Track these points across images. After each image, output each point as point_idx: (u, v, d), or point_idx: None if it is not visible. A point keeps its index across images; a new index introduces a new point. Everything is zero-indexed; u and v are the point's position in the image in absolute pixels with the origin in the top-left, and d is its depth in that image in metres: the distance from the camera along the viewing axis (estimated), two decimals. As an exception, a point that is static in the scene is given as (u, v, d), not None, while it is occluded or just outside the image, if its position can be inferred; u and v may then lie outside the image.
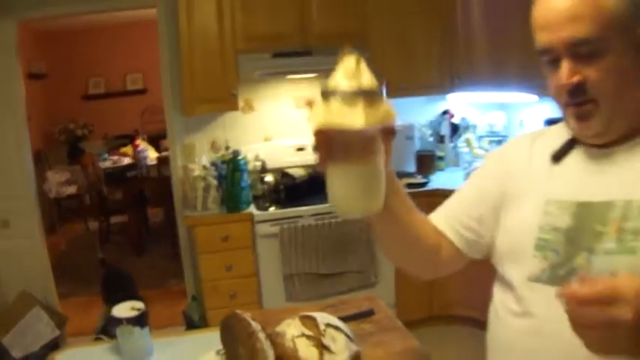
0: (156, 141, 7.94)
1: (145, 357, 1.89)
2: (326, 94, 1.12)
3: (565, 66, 1.22)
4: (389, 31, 4.55)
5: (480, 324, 1.72)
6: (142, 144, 7.50)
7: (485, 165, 1.62)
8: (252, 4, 4.18)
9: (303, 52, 4.32)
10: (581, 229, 1.24)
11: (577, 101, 1.24)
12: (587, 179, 1.31)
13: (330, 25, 4.33)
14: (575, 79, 1.21)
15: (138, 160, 7.25)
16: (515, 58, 3.92)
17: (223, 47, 4.17)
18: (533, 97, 4.12)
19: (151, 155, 7.30)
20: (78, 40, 9.11)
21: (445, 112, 5.16)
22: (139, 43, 8.86)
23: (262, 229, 4.05)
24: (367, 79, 1.11)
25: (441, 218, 1.57)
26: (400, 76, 4.56)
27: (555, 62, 1.25)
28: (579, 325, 1.00)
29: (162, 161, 6.57)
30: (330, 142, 1.16)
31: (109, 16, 7.71)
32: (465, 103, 5.22)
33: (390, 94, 4.61)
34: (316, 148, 1.17)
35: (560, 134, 1.41)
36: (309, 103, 1.14)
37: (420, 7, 4.61)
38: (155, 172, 6.92)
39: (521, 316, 1.34)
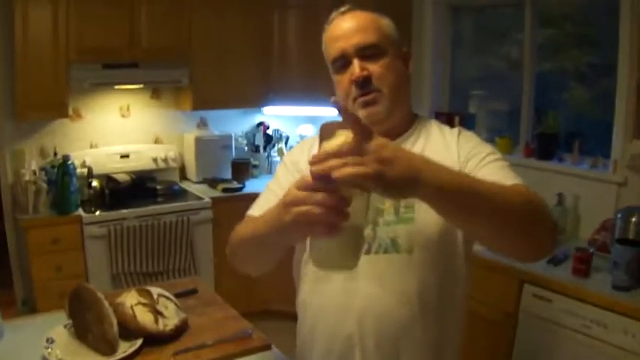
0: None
1: (-3, 338, 1.94)
2: None
3: (356, 63, 1.58)
4: (210, 48, 4.85)
5: (295, 317, 1.84)
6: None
7: (285, 162, 1.85)
8: (85, 17, 4.26)
9: (131, 64, 4.50)
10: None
11: (365, 91, 1.58)
12: None
13: (157, 41, 4.56)
14: (365, 72, 1.57)
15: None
16: (325, 76, 4.38)
17: (56, 57, 4.22)
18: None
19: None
20: None
21: (260, 124, 5.53)
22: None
23: (90, 230, 4.18)
24: None
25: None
26: (218, 90, 4.93)
27: (346, 66, 1.61)
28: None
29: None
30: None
31: None
32: (278, 116, 5.59)
33: (208, 106, 5.01)
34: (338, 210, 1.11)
35: None
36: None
37: (239, 27, 4.97)
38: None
39: (325, 280, 1.64)
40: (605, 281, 2.92)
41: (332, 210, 1.09)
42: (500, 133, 4.33)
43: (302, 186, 1.13)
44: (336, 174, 1.03)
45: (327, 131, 1.11)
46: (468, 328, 1.75)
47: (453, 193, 1.17)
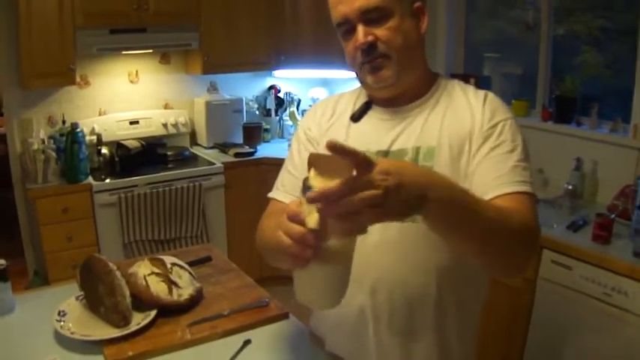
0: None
1: (7, 311, 1.95)
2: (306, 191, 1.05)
3: (360, 29, 1.48)
4: (219, 10, 4.76)
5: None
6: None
7: (298, 133, 1.79)
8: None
9: (139, 28, 4.41)
10: None
11: (371, 58, 1.50)
12: (385, 132, 1.58)
13: (165, 4, 4.46)
14: (370, 38, 1.47)
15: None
16: (337, 38, 4.32)
17: (62, 22, 4.12)
18: (352, 74, 4.52)
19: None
20: None
21: (271, 88, 5.47)
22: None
23: (101, 198, 4.14)
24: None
25: (286, 195, 1.68)
26: (228, 53, 4.86)
27: (351, 31, 1.51)
28: (339, 217, 1.02)
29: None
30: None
31: None
32: (290, 79, 5.53)
33: (218, 70, 4.93)
34: (303, 244, 1.09)
35: (354, 99, 1.73)
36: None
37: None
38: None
39: None
40: (626, 248, 2.86)
41: (299, 243, 1.08)
42: (514, 96, 4.25)
43: (289, 212, 1.11)
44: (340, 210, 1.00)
45: (317, 160, 1.07)
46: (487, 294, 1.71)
47: (457, 212, 1.18)
